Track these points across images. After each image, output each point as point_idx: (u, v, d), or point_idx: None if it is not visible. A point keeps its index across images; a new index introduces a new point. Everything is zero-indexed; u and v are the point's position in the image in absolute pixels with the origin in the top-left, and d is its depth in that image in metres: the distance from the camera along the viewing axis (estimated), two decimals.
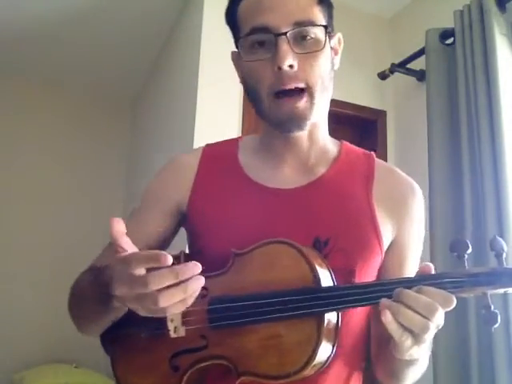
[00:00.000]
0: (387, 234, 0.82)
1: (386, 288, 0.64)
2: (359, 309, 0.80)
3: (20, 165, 3.34)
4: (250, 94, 0.80)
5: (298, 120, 0.76)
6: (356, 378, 0.82)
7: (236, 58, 0.83)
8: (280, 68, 0.72)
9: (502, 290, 0.62)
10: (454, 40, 2.03)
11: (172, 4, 2.58)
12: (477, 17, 1.91)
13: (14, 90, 3.40)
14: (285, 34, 0.72)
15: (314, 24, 0.74)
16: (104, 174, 3.57)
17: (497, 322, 0.61)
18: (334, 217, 0.80)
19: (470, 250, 0.63)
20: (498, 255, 0.63)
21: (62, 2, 2.57)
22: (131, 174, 3.53)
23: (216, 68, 2.08)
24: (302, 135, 0.82)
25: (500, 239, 0.63)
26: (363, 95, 2.47)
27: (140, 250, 0.83)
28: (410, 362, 0.70)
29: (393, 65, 2.33)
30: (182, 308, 0.59)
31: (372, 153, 0.91)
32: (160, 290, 0.56)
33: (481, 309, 0.63)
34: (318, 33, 0.75)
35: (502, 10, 1.89)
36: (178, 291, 0.57)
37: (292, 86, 0.73)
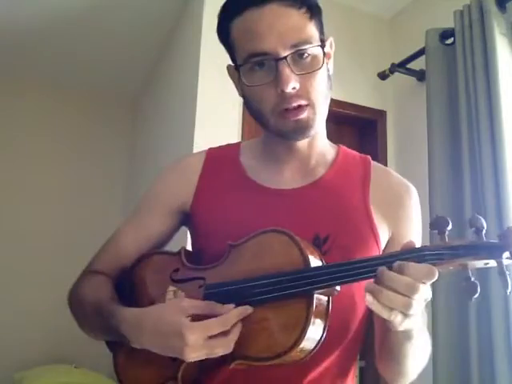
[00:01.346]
0: (384, 234, 0.85)
1: (372, 263, 0.66)
2: (360, 303, 0.81)
3: (19, 165, 3.34)
4: (253, 111, 0.82)
5: (303, 129, 0.79)
6: (352, 375, 0.85)
7: (233, 73, 0.84)
8: (283, 91, 0.74)
9: (481, 263, 0.64)
10: (454, 40, 2.03)
11: (172, 4, 2.59)
12: (477, 17, 1.91)
13: (14, 91, 3.40)
14: (285, 58, 0.74)
15: (310, 43, 0.76)
16: (104, 174, 3.56)
17: (476, 292, 0.62)
18: (333, 215, 0.83)
19: (450, 227, 0.65)
20: (478, 231, 0.65)
21: (62, 3, 2.57)
22: (131, 173, 3.53)
23: (216, 68, 2.08)
24: (303, 141, 0.85)
25: (480, 217, 0.66)
26: (363, 95, 2.47)
27: (142, 246, 0.87)
28: (407, 334, 0.71)
29: (393, 65, 2.33)
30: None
31: (368, 156, 0.94)
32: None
33: (461, 281, 0.64)
34: (315, 50, 0.77)
35: (502, 10, 1.89)
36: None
37: (296, 104, 0.76)
